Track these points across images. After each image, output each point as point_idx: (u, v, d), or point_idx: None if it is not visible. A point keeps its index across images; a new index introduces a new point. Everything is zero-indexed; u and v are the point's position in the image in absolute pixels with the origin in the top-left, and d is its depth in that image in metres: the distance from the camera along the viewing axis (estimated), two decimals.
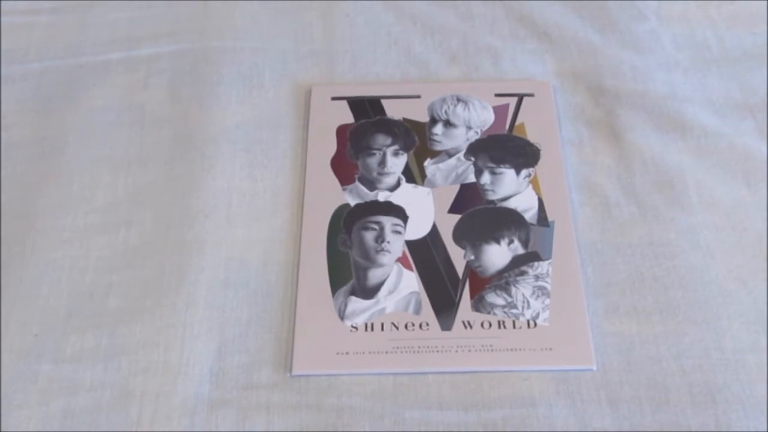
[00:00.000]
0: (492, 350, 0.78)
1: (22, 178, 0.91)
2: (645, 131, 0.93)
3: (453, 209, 0.87)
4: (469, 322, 0.79)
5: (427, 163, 0.90)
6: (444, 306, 0.80)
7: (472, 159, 0.90)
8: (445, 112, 0.94)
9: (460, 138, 0.92)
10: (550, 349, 0.77)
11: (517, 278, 0.82)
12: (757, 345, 0.78)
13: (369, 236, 0.84)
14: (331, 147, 0.92)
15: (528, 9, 1.05)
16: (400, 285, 0.82)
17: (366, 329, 0.79)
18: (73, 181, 0.90)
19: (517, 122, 0.94)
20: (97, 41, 1.03)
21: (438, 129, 0.93)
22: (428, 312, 0.80)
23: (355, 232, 0.85)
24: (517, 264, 0.83)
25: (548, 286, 0.81)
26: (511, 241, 0.84)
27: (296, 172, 0.91)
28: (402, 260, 0.83)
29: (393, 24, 1.05)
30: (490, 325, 0.79)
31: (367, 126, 0.93)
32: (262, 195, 0.89)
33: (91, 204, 0.88)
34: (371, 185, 0.89)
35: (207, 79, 0.99)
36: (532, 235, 0.84)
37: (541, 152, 0.91)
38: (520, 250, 0.84)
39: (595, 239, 0.85)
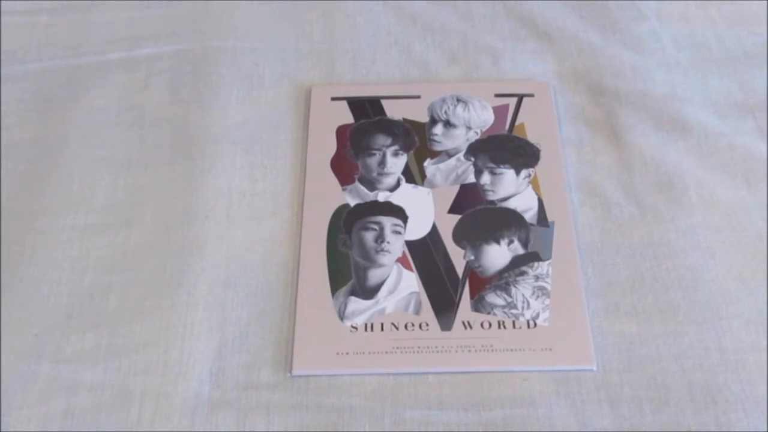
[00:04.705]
0: (492, 350, 0.78)
1: (22, 178, 0.91)
2: (645, 131, 0.93)
3: (453, 209, 0.87)
4: (469, 323, 0.79)
5: (427, 163, 0.90)
6: (444, 306, 0.80)
7: (472, 159, 0.90)
8: (445, 112, 0.94)
9: (460, 138, 0.92)
10: (550, 349, 0.77)
11: (517, 278, 0.82)
12: (757, 345, 0.78)
13: (369, 236, 0.84)
14: (331, 147, 0.92)
15: (528, 9, 1.05)
16: (400, 285, 0.82)
17: (366, 329, 0.79)
18: (73, 181, 0.90)
19: (517, 122, 0.93)
20: (97, 41, 1.03)
21: (438, 129, 0.93)
22: (428, 312, 0.80)
23: (355, 232, 0.85)
24: (517, 264, 0.83)
25: (548, 287, 0.81)
26: (511, 242, 0.84)
27: (296, 172, 0.91)
28: (402, 260, 0.83)
29: (393, 24, 1.05)
30: (490, 325, 0.79)
31: (367, 126, 0.93)
32: (262, 195, 0.89)
33: (91, 204, 0.88)
34: (371, 185, 0.89)
35: (207, 79, 0.99)
36: (532, 236, 0.84)
37: (541, 152, 0.90)
38: (520, 251, 0.84)
39: (595, 239, 0.85)
